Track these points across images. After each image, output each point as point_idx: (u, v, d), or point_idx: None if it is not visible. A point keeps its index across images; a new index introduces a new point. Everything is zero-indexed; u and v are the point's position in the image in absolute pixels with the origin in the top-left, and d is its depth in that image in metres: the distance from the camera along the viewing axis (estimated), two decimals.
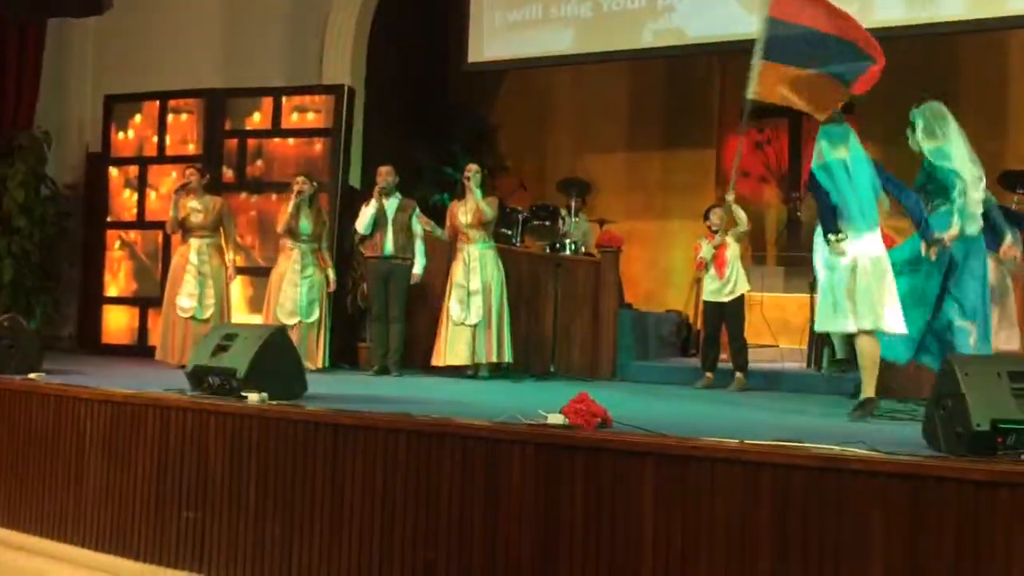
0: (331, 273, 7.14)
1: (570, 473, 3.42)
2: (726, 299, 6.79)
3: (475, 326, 6.80)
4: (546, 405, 3.85)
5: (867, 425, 4.45)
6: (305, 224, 7.07)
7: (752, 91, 6.09)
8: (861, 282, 4.67)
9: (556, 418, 3.61)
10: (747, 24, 8.15)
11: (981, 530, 2.91)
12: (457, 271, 6.95)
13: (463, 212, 7.02)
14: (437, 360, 6.89)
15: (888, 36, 7.81)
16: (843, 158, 4.80)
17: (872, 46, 5.65)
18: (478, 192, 7.02)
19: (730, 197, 6.28)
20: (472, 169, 7.13)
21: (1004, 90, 8.78)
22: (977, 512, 2.93)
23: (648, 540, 3.28)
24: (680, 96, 9.78)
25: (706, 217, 7.08)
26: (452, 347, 6.84)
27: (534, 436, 3.50)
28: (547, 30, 8.41)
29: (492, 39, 8.59)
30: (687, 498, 3.24)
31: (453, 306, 6.87)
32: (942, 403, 3.41)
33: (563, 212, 8.85)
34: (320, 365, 6.98)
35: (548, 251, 8.44)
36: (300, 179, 7.15)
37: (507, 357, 6.93)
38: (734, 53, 8.80)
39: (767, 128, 10.46)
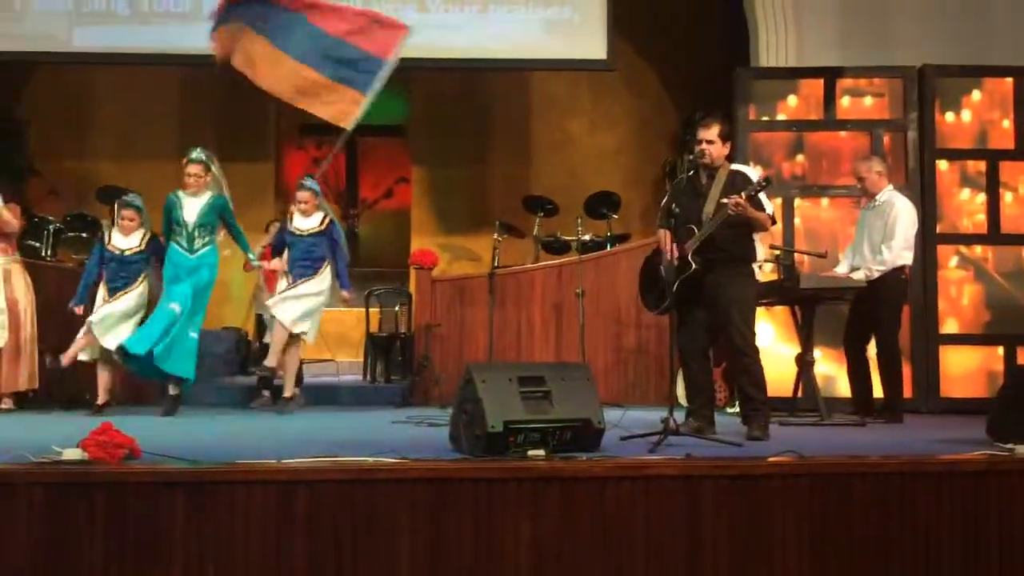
0: None
1: (89, 513, 3.09)
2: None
3: (2, 350, 5.96)
4: (67, 439, 3.46)
5: (407, 434, 4.70)
6: None
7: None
8: None
9: (73, 453, 3.25)
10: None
11: (493, 522, 3.21)
12: None
13: None
14: None
15: (432, 66, 8.38)
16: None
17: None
18: None
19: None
20: None
21: (528, 124, 9.92)
22: (491, 506, 3.22)
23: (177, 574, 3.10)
24: (233, 106, 9.54)
25: (267, 230, 7.13)
26: None
27: (43, 475, 3.11)
28: (76, 22, 7.63)
29: (8, 26, 7.58)
30: (220, 527, 3.11)
31: None
32: (464, 408, 3.70)
33: (104, 224, 8.11)
34: None
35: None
36: None
37: (34, 383, 6.17)
38: None
39: (325, 145, 10.64)
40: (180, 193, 6.00)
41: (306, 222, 6.27)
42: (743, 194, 4.31)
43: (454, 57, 7.78)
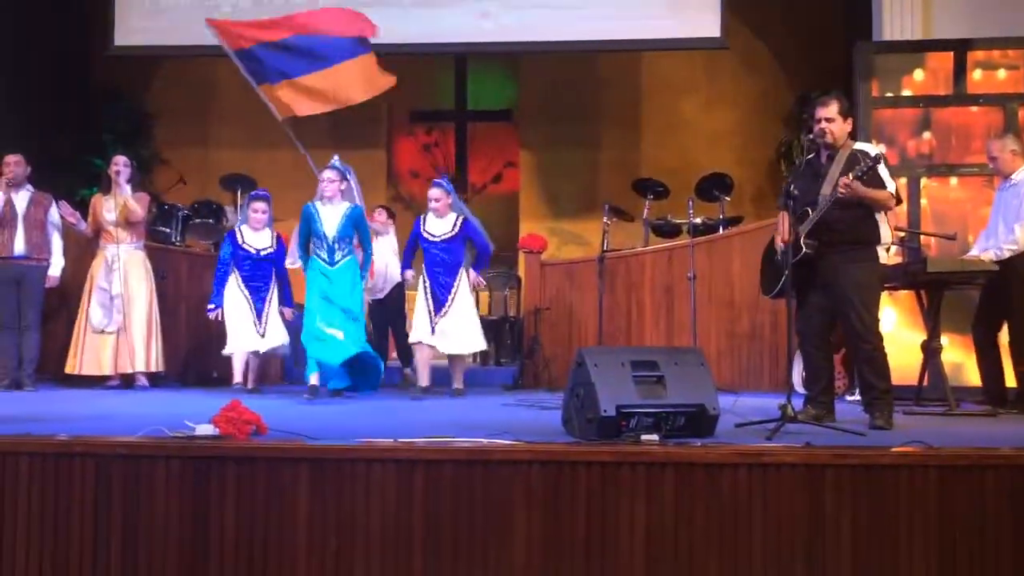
0: None
1: (220, 486, 3.26)
2: (380, 296, 6.89)
3: (116, 333, 6.32)
4: (199, 415, 3.64)
5: (519, 416, 4.74)
6: None
7: (279, 116, 6.56)
8: None
9: (205, 428, 3.42)
10: (413, 31, 8.32)
11: (607, 506, 3.21)
12: (98, 273, 6.40)
13: (108, 208, 6.47)
14: (71, 369, 6.36)
15: (541, 51, 8.40)
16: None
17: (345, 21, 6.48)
18: (127, 188, 6.50)
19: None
20: (120, 162, 6.59)
21: (639, 105, 9.77)
22: (604, 490, 3.22)
23: (303, 546, 3.22)
24: None
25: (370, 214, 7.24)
26: (91, 355, 6.32)
27: (179, 449, 3.29)
28: (202, 17, 7.95)
29: (142, 21, 7.97)
30: (342, 501, 3.22)
31: (93, 311, 6.32)
32: (576, 392, 3.70)
33: (229, 209, 8.46)
34: None
35: (213, 250, 8.02)
36: None
37: (158, 366, 6.50)
38: (403, 55, 8.95)
39: (435, 131, 10.79)
40: (317, 204, 5.88)
41: (440, 225, 6.15)
42: (851, 174, 4.15)
43: (564, 39, 7.74)
